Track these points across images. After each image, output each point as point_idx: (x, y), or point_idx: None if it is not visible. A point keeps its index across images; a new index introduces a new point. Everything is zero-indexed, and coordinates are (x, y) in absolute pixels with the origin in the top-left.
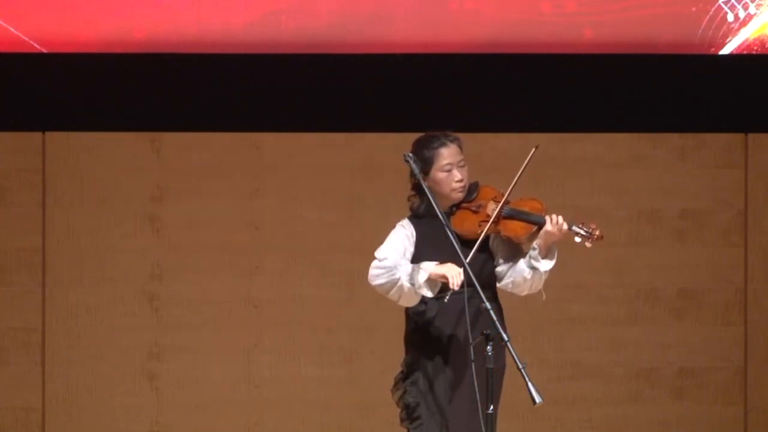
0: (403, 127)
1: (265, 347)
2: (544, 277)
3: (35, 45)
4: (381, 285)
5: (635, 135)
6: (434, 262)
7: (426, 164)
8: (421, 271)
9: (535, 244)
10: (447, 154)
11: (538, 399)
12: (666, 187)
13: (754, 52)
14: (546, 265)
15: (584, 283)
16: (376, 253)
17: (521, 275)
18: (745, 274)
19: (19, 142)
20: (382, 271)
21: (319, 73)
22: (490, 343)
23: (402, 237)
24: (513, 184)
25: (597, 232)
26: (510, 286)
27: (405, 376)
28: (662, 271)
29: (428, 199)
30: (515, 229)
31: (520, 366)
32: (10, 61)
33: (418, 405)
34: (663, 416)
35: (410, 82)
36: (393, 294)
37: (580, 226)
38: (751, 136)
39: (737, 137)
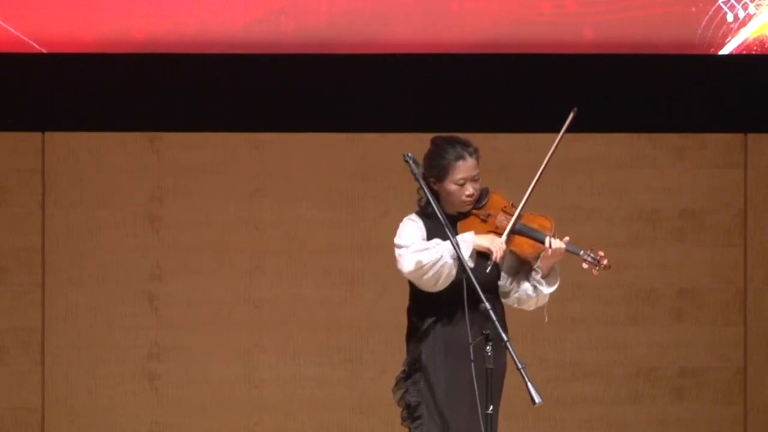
0: (403, 127)
1: (265, 347)
2: (548, 297)
3: (35, 45)
4: (421, 267)
5: (635, 135)
6: (470, 233)
7: (441, 172)
8: (464, 243)
9: (536, 266)
10: (463, 169)
11: (537, 399)
12: (666, 187)
13: (753, 52)
14: (549, 289)
15: (584, 282)
16: (399, 241)
17: (526, 293)
18: (745, 274)
19: (18, 142)
20: (421, 251)
21: (319, 73)
22: (490, 344)
23: (414, 228)
24: (528, 193)
25: (605, 262)
26: (516, 303)
27: (407, 375)
28: (662, 271)
29: (435, 199)
30: (522, 245)
31: (520, 366)
32: (10, 61)
33: (419, 404)
34: (663, 416)
35: (410, 82)
36: (433, 273)
37: (588, 252)
38: (750, 136)
39: (737, 137)
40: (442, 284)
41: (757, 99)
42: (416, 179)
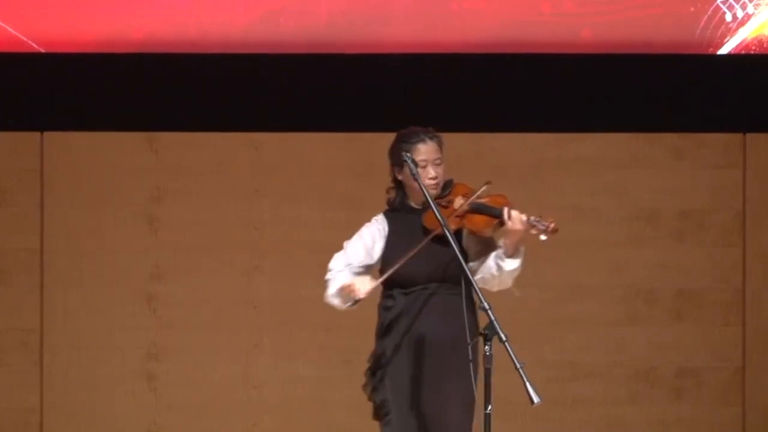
0: (402, 127)
1: (264, 347)
2: (513, 275)
3: (34, 45)
4: (324, 281)
5: (634, 135)
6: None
7: (402, 158)
8: (335, 281)
9: (501, 242)
10: (424, 151)
11: (536, 399)
12: (664, 188)
13: (752, 52)
14: (510, 264)
15: (583, 283)
16: (344, 244)
17: (490, 272)
18: (744, 275)
19: (17, 142)
20: (330, 267)
21: (319, 72)
22: (489, 343)
23: (373, 231)
24: (484, 186)
25: (552, 225)
26: (480, 282)
27: (372, 372)
28: (661, 272)
29: (402, 194)
30: (477, 222)
31: (518, 366)
32: (9, 61)
33: (384, 401)
34: (661, 416)
35: (410, 82)
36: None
37: (537, 219)
38: (749, 135)
39: (735, 137)
40: (337, 305)
41: (756, 99)
42: (415, 179)
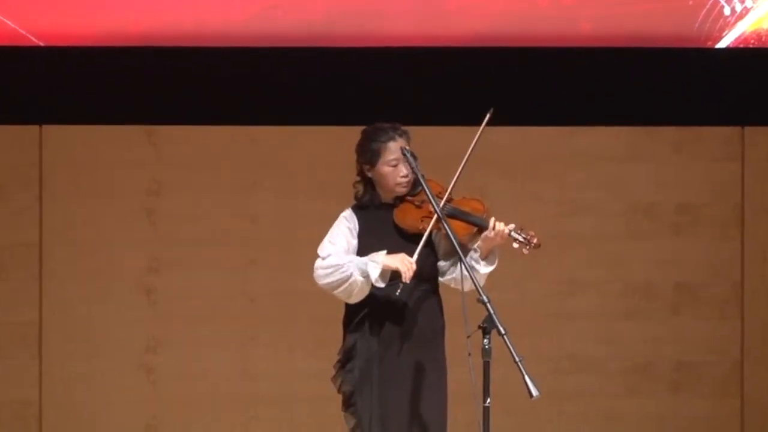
0: (400, 120)
1: (262, 341)
2: (486, 277)
3: (32, 38)
4: (330, 283)
5: (632, 128)
6: (382, 253)
7: (373, 156)
8: (373, 264)
9: (476, 246)
10: (394, 149)
11: (535, 392)
12: (662, 181)
13: (750, 46)
14: (485, 269)
15: (581, 277)
16: (320, 252)
17: (463, 273)
18: (742, 268)
19: (16, 136)
20: (331, 269)
21: (316, 66)
22: (487, 336)
23: (344, 231)
24: (455, 179)
25: (535, 240)
26: (453, 283)
27: (342, 364)
28: (659, 265)
29: (371, 189)
30: (455, 229)
31: (517, 359)
32: (8, 54)
33: (352, 393)
34: (659, 410)
35: (408, 76)
36: (343, 290)
37: (519, 232)
38: (747, 129)
39: (734, 130)
40: (355, 299)
41: (754, 92)
42: (414, 172)
